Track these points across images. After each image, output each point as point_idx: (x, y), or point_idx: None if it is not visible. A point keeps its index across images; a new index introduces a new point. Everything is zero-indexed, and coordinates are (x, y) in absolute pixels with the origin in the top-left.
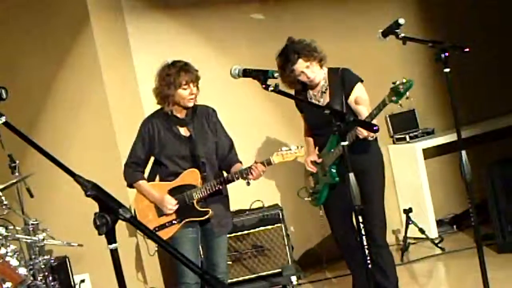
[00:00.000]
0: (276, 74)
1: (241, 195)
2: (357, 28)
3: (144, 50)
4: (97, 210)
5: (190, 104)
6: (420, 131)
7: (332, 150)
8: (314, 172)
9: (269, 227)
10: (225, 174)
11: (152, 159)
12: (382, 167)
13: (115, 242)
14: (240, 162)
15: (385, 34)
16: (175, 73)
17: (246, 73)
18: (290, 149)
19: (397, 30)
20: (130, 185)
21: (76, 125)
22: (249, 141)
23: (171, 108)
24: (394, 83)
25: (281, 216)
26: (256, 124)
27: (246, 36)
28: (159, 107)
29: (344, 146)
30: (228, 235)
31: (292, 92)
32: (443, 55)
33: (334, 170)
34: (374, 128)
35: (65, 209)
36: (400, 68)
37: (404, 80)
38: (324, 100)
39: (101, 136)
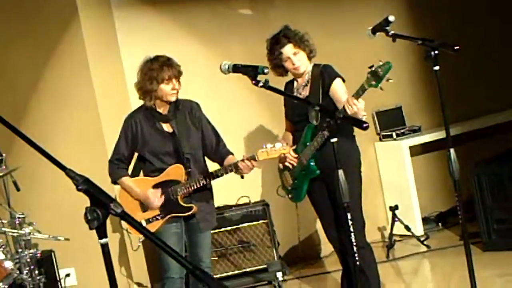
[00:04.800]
0: (266, 70)
1: (228, 191)
2: (345, 25)
3: (132, 45)
4: (85, 204)
5: (173, 99)
6: (406, 128)
7: (309, 144)
8: (291, 168)
9: (255, 223)
10: (211, 169)
11: (136, 155)
12: (359, 165)
13: (105, 236)
14: (232, 154)
15: (374, 31)
16: (157, 68)
17: (236, 68)
18: (274, 146)
19: (386, 28)
20: (114, 182)
21: (63, 120)
22: (237, 137)
23: (153, 102)
24: (371, 67)
25: (267, 212)
26: (244, 119)
27: (234, 32)
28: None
29: (334, 143)
30: (214, 231)
31: (281, 85)
32: (432, 53)
33: (313, 164)
34: (364, 125)
35: (52, 203)
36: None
37: (381, 63)
38: (305, 93)
39: (88, 131)
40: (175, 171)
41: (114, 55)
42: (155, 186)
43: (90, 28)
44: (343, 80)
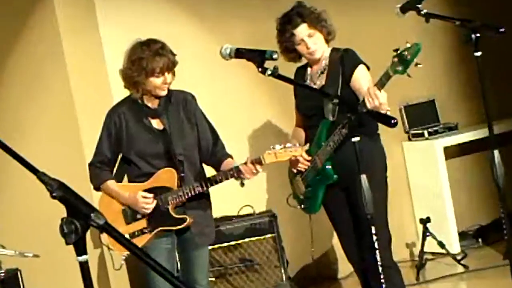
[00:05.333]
0: (275, 55)
1: (227, 199)
2: (367, 2)
3: (113, 23)
4: (60, 214)
5: (163, 93)
6: (441, 126)
7: (324, 143)
8: (303, 173)
9: (261, 237)
10: (207, 173)
11: (120, 156)
12: (385, 169)
13: (85, 253)
14: (231, 157)
15: (404, 9)
16: (148, 57)
17: (239, 53)
18: (284, 147)
19: (418, 5)
20: (97, 188)
21: (31, 111)
22: (240, 136)
23: (140, 95)
24: (396, 50)
25: (274, 225)
26: (249, 115)
27: (237, 10)
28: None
29: (356, 142)
30: (212, 247)
31: (291, 74)
32: (473, 36)
33: (329, 167)
34: (392, 121)
35: (19, 213)
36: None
37: (409, 45)
38: (321, 82)
39: (61, 125)
40: (166, 176)
41: (92, 35)
42: None
43: (64, 3)
44: (368, 68)
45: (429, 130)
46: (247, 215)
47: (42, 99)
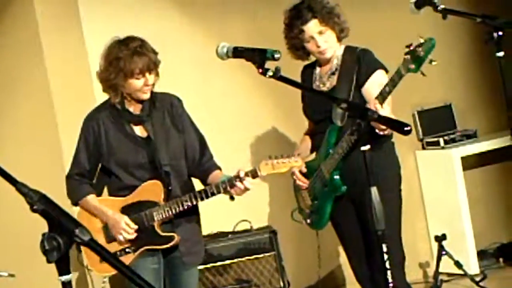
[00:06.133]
0: (277, 55)
1: (222, 214)
2: None
3: (98, 19)
4: (38, 229)
5: (145, 97)
6: (458, 133)
7: (332, 151)
8: (309, 184)
9: (259, 256)
10: (197, 185)
11: (99, 166)
12: (399, 181)
13: (68, 272)
14: (219, 168)
15: (419, 5)
16: (126, 57)
17: (237, 52)
18: (282, 158)
19: (435, 1)
20: (76, 203)
21: (6, 113)
22: (239, 142)
23: (120, 99)
24: (408, 46)
25: (274, 242)
26: (249, 119)
27: (234, 4)
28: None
29: (365, 151)
30: (205, 266)
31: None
32: (495, 35)
33: (337, 177)
34: (405, 129)
35: None
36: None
37: (422, 40)
38: (331, 83)
39: (38, 128)
40: (151, 190)
41: (74, 31)
42: (125, 209)
43: None
44: (387, 71)
45: (445, 138)
46: (244, 231)
47: (18, 100)
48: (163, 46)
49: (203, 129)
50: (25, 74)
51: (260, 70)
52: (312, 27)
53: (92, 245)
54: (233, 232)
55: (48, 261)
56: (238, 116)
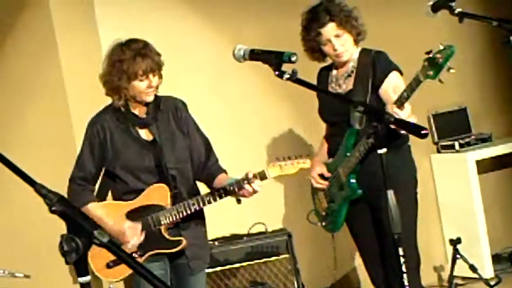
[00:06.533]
0: (293, 58)
1: (237, 216)
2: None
3: (113, 20)
4: (53, 231)
5: (149, 99)
6: (473, 137)
7: (349, 154)
8: (326, 187)
9: (274, 258)
10: (202, 189)
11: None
12: (415, 184)
13: (87, 274)
14: (225, 171)
15: (435, 8)
16: (129, 59)
17: (254, 54)
18: (290, 159)
19: (451, 4)
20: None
21: (22, 115)
22: (253, 144)
23: (123, 102)
24: (428, 52)
25: (289, 245)
26: (263, 121)
27: (249, 6)
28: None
29: (382, 154)
30: (220, 268)
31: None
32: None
33: (354, 181)
34: (422, 132)
35: (8, 230)
36: None
37: (442, 47)
38: (347, 86)
39: (53, 129)
40: (157, 193)
41: (90, 33)
42: (131, 214)
43: None
44: (401, 73)
45: (460, 141)
46: (259, 233)
47: (34, 103)
48: (178, 48)
49: (219, 130)
50: (40, 75)
51: (277, 73)
52: (329, 30)
53: (111, 246)
54: (248, 235)
55: (67, 263)
56: (253, 118)
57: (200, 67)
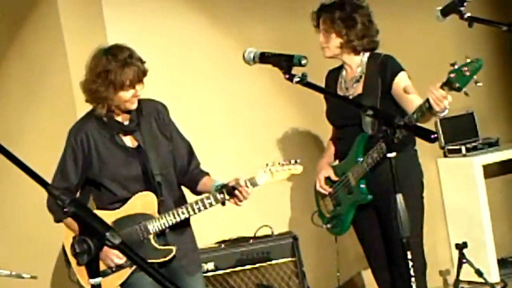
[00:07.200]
0: (303, 61)
1: (243, 219)
2: (404, 7)
3: (121, 22)
4: (60, 232)
5: (133, 107)
6: (480, 141)
7: (361, 159)
8: (332, 190)
9: (279, 261)
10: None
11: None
12: (421, 188)
13: (98, 275)
14: (208, 174)
15: (445, 12)
16: (116, 69)
17: (264, 58)
18: (281, 165)
19: (461, 8)
20: (59, 220)
21: (30, 115)
22: (260, 146)
23: (105, 111)
24: (453, 64)
25: (295, 248)
26: (271, 123)
27: (256, 8)
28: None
29: (392, 158)
30: (226, 271)
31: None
32: None
33: (364, 186)
34: (432, 136)
35: (15, 230)
36: (455, 58)
37: (469, 60)
38: (356, 90)
39: (61, 131)
40: (144, 202)
41: (98, 35)
42: (117, 223)
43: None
44: (408, 77)
45: (467, 145)
46: (265, 236)
47: (42, 104)
48: (187, 48)
49: (225, 132)
50: (48, 76)
51: (287, 76)
52: (321, 23)
53: (123, 248)
54: (254, 237)
55: (78, 264)
56: (260, 119)
57: (207, 68)
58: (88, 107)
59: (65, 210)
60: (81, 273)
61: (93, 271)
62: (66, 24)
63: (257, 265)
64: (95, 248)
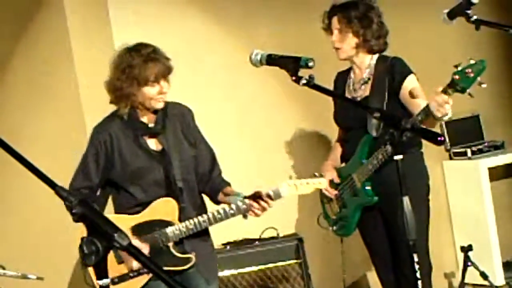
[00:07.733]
0: (310, 63)
1: (249, 220)
2: (411, 10)
3: (127, 23)
4: (66, 233)
5: (159, 106)
6: (485, 144)
7: (365, 161)
8: (338, 192)
9: (285, 263)
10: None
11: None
12: (427, 191)
13: (106, 276)
14: (229, 184)
15: (452, 15)
16: (140, 64)
17: (271, 60)
18: (306, 179)
19: (468, 11)
20: (77, 220)
21: (36, 117)
22: (267, 147)
23: (129, 111)
24: (457, 66)
25: (300, 249)
26: (277, 124)
27: (262, 10)
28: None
29: (398, 160)
30: (232, 272)
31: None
32: None
33: (369, 188)
34: (439, 139)
35: (21, 231)
36: (459, 60)
37: (473, 61)
38: (363, 92)
39: (68, 132)
40: (165, 208)
41: (104, 36)
42: (136, 228)
43: (74, 1)
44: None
45: (473, 148)
46: (271, 238)
47: (48, 105)
48: (194, 50)
49: (231, 134)
50: (54, 77)
51: (294, 78)
52: (334, 23)
53: (131, 250)
54: (260, 239)
55: (86, 265)
56: (266, 121)
57: (213, 70)
58: (92, 108)
59: (73, 211)
60: None
61: (101, 273)
62: (72, 26)
63: (262, 266)
64: (103, 250)
